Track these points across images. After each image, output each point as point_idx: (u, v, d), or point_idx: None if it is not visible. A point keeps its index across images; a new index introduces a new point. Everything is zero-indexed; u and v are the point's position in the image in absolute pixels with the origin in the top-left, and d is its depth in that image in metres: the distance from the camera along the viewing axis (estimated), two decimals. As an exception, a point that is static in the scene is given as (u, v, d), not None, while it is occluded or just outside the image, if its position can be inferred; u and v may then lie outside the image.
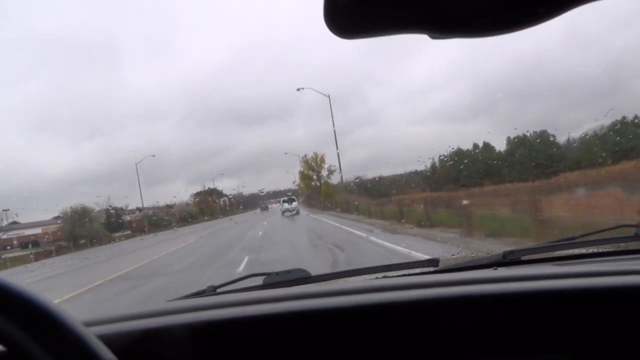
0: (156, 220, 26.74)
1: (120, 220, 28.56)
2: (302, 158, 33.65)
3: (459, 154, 27.79)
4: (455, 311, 0.96)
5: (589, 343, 0.92)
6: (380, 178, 26.09)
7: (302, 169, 34.26)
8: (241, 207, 38.75)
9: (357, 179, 29.12)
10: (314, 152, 34.03)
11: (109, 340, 0.89)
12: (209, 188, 34.31)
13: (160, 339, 0.96)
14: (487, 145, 29.05)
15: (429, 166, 25.39)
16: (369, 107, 33.60)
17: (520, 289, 0.99)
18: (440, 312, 0.97)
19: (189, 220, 31.63)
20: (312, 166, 36.13)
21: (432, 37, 0.48)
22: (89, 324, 0.93)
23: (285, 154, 30.13)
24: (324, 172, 33.98)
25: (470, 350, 0.93)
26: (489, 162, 25.32)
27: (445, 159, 27.42)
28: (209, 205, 36.84)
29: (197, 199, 33.89)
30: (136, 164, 22.15)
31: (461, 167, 24.33)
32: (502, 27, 0.47)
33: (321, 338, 0.95)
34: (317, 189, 35.86)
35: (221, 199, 43.65)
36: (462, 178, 25.99)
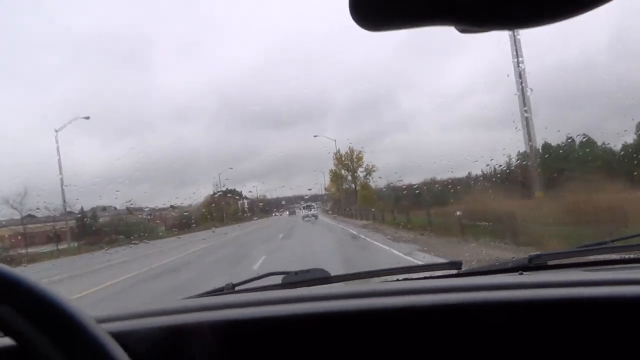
0: (127, 228, 18.38)
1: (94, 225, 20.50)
2: (335, 154, 30.13)
3: (547, 151, 21.79)
4: (479, 317, 0.98)
5: (620, 356, 0.92)
6: (433, 181, 21.33)
7: (333, 168, 31.24)
8: (264, 211, 38.43)
9: (389, 184, 26.76)
10: (349, 147, 29.91)
11: (126, 337, 0.95)
12: (227, 188, 32.30)
13: (180, 337, 0.99)
14: (587, 139, 21.83)
15: (501, 167, 20.36)
16: (402, 112, 32.90)
17: (548, 296, 0.99)
18: (464, 318, 0.98)
19: (185, 227, 26.80)
20: (346, 164, 31.47)
21: (461, 31, 0.48)
22: (104, 320, 1.02)
23: (315, 136, 27.21)
24: (361, 173, 30.43)
25: (494, 357, 0.95)
26: (605, 159, 20.04)
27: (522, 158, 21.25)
28: (221, 209, 32.96)
29: (204, 202, 29.96)
30: (56, 131, 15.00)
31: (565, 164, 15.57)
32: (535, 18, 0.44)
33: (341, 341, 0.98)
34: (351, 193, 31.97)
35: (239, 202, 40.62)
36: (563, 180, 16.26)
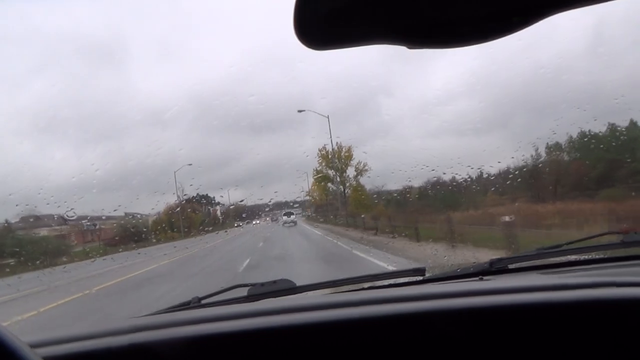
0: (20, 248, 12.19)
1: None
2: (320, 151, 25.24)
3: (590, 141, 16.95)
4: (442, 325, 1.04)
5: (573, 358, 1.02)
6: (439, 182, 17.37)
7: (318, 167, 26.19)
8: (242, 218, 33.44)
9: (377, 187, 23.54)
10: (337, 143, 25.05)
11: (88, 358, 0.96)
12: (197, 194, 29.30)
13: (146, 355, 1.00)
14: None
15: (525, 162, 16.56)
16: (381, 119, 30.99)
17: (506, 302, 1.06)
18: (428, 326, 1.04)
19: (138, 241, 20.79)
20: (333, 163, 26.33)
21: (409, 48, 0.52)
22: (62, 341, 1.04)
23: (300, 111, 21.35)
24: (351, 172, 25.56)
25: None
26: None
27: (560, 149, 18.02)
28: (186, 217, 26.78)
29: (166, 209, 24.10)
30: None
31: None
32: (478, 37, 0.50)
33: (306, 353, 1.02)
34: (339, 197, 27.41)
35: (211, 209, 35.41)
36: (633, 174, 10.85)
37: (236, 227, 32.69)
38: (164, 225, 24.74)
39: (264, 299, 1.47)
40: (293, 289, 1.54)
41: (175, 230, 25.64)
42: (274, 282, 1.57)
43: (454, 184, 16.67)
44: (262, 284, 1.56)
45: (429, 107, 29.19)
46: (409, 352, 0.99)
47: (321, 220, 32.50)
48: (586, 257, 1.59)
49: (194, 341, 0.99)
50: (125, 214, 24.27)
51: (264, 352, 0.99)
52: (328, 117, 22.24)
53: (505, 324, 1.00)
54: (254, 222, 35.66)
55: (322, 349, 0.99)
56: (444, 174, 16.14)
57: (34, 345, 0.87)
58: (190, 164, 21.68)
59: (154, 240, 21.81)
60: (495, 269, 1.50)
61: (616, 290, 1.06)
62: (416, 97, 32.32)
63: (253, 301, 1.45)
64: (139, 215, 24.98)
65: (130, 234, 21.18)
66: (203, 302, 1.52)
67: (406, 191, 20.44)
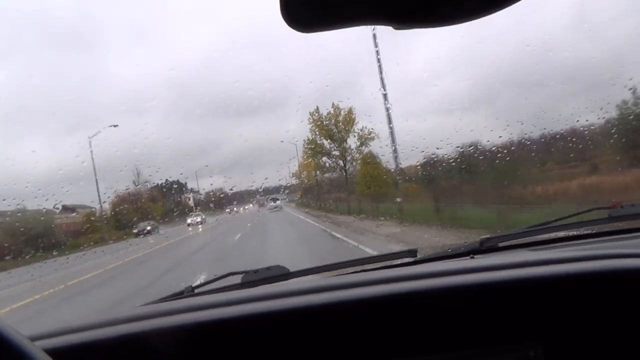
0: None
1: None
2: (311, 115, 19.94)
3: None
4: (434, 304, 1.10)
5: (561, 331, 1.07)
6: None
7: (309, 136, 20.28)
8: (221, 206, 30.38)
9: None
10: (333, 105, 19.33)
11: (79, 351, 0.96)
12: (166, 180, 24.59)
13: (141, 345, 1.03)
14: None
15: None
16: (364, 99, 27.71)
17: (496, 279, 1.13)
18: (420, 305, 1.11)
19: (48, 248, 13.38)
20: (328, 129, 20.43)
21: (396, 28, 0.54)
22: (55, 334, 1.07)
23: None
24: (353, 141, 20.00)
25: (450, 341, 1.08)
26: None
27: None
28: (142, 208, 20.80)
29: (116, 199, 18.97)
30: None
31: None
32: (463, 15, 0.52)
33: (303, 337, 1.07)
34: (339, 174, 21.79)
35: (181, 196, 30.96)
36: None
37: (136, 236, 19.20)
38: (96, 221, 18.20)
39: (258, 285, 1.53)
40: (287, 275, 1.62)
41: (115, 226, 18.97)
42: (268, 268, 1.64)
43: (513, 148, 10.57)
44: (256, 271, 1.62)
45: (411, 87, 28.12)
46: (402, 332, 1.06)
47: (324, 207, 24.51)
48: (574, 232, 1.68)
49: (188, 329, 1.03)
50: (64, 207, 18.29)
51: (259, 338, 1.05)
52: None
53: (495, 300, 1.08)
54: (190, 220, 24.25)
55: (317, 332, 1.05)
56: (488, 141, 12.54)
57: (31, 339, 0.88)
58: (115, 125, 15.42)
59: (62, 247, 14.70)
60: (485, 247, 1.60)
61: (600, 262, 1.14)
62: (399, 78, 31.07)
63: (247, 288, 1.51)
64: (89, 208, 20.40)
65: (27, 238, 14.42)
66: (196, 291, 1.58)
67: (434, 163, 14.00)
